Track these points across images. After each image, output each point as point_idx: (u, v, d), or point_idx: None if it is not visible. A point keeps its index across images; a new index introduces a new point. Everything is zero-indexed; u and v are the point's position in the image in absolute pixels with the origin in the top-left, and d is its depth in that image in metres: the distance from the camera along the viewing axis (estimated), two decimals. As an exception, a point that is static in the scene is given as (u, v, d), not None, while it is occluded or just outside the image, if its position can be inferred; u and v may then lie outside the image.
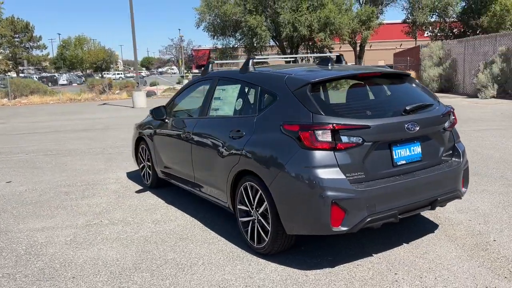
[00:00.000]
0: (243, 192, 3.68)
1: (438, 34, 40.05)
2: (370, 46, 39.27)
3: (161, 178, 5.52)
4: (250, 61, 4.05)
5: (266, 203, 3.39)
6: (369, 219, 3.07)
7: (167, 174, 5.27)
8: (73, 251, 3.86)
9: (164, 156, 5.23)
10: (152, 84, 37.06)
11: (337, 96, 4.54)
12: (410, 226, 4.06)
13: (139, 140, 5.89)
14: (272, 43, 37.19)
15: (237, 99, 4.02)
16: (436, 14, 38.99)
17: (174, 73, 58.01)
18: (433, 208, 3.46)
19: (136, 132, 5.99)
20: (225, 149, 3.86)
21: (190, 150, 4.48)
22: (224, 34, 35.57)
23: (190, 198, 5.29)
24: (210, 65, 4.69)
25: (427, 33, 42.81)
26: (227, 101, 4.28)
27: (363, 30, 36.13)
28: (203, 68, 4.87)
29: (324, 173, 3.03)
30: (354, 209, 3.03)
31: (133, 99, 19.41)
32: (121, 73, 72.37)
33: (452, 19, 38.47)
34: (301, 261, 3.45)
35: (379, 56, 54.05)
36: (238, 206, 3.78)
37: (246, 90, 4.00)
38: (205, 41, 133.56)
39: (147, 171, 5.83)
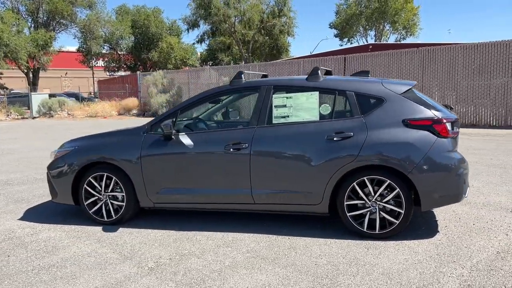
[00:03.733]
0: (357, 187, 4.02)
1: (112, 65, 41.97)
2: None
3: (144, 208, 4.67)
4: (320, 70, 4.40)
5: (398, 189, 3.92)
6: None
7: (166, 198, 4.55)
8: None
9: (171, 178, 4.51)
10: None
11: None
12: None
13: (83, 171, 4.69)
14: None
15: (320, 105, 4.24)
16: (109, 46, 40.76)
17: None
18: None
19: (76, 161, 4.71)
20: (324, 151, 4.05)
21: (248, 162, 4.24)
22: None
23: (210, 218, 4.74)
24: (243, 75, 4.58)
25: (100, 63, 44.06)
26: (301, 107, 4.32)
27: (42, 55, 33.82)
28: (232, 79, 4.63)
29: (456, 155, 3.96)
30: (467, 180, 4.11)
31: None
32: None
33: (124, 52, 41.17)
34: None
35: (52, 83, 51.39)
36: (347, 202, 4.06)
37: (331, 96, 4.29)
38: None
39: (109, 204, 4.71)
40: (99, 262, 3.72)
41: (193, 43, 43.89)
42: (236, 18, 39.47)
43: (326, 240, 4.05)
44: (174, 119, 4.59)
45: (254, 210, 4.41)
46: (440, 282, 3.15)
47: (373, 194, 3.98)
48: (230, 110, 5.21)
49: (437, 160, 3.87)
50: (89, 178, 4.73)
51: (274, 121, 4.31)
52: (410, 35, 53.04)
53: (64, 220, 4.99)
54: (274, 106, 4.35)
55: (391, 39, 53.93)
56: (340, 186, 4.06)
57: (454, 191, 3.94)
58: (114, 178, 4.64)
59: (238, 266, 3.56)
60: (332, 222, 4.50)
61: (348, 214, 4.06)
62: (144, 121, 7.21)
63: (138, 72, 32.30)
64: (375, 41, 52.61)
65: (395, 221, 3.95)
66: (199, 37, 42.69)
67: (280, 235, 4.22)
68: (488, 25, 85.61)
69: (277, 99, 4.36)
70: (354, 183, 4.00)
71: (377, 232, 4.00)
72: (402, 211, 3.92)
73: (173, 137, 4.46)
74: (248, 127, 4.36)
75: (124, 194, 4.64)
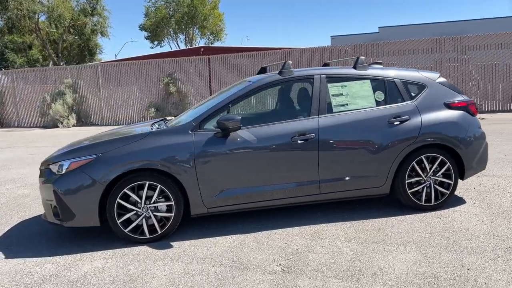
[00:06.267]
0: (416, 166, 4.43)
1: None
2: None
3: (192, 216, 4.18)
4: (362, 59, 4.62)
5: (448, 163, 4.48)
6: None
7: (225, 201, 4.16)
8: None
9: (232, 178, 4.12)
10: None
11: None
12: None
13: (112, 185, 3.95)
14: None
15: (375, 92, 4.47)
16: None
17: None
18: None
19: (106, 171, 3.90)
20: (388, 135, 4.34)
21: (316, 152, 4.22)
22: None
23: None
24: (290, 65, 4.48)
25: None
26: (357, 95, 4.41)
27: None
28: (282, 70, 4.42)
29: (482, 130, 4.72)
30: None
31: None
32: None
33: None
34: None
35: None
36: (408, 180, 4.43)
37: (380, 84, 4.53)
38: None
39: (152, 217, 4.01)
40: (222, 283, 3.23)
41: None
42: (43, 14, 35.24)
43: (400, 218, 4.35)
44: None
45: (318, 201, 4.38)
46: (497, 229, 3.81)
47: (428, 170, 4.43)
48: (277, 101, 4.97)
49: (474, 135, 4.57)
50: (125, 189, 3.93)
51: (334, 109, 4.38)
52: (217, 40, 55.96)
53: (82, 245, 4.02)
54: (332, 95, 4.40)
55: (201, 43, 55.95)
56: (401, 166, 4.38)
57: (485, 160, 4.72)
58: (159, 186, 3.97)
59: (366, 251, 3.58)
60: (364, 204, 4.80)
61: (408, 191, 4.41)
62: None
63: None
64: (185, 45, 53.93)
65: (446, 191, 4.51)
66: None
67: (352, 221, 4.32)
68: (273, 34, 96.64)
69: (333, 88, 4.43)
70: (414, 162, 4.38)
71: (432, 203, 4.48)
72: (452, 182, 4.49)
73: (231, 133, 4.08)
74: (311, 117, 4.31)
75: (173, 203, 4.02)
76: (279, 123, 4.26)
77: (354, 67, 4.63)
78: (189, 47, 38.57)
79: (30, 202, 5.80)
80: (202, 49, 29.81)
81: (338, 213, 4.56)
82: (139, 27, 53.48)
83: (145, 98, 17.54)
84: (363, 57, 4.72)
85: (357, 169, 4.34)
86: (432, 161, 4.46)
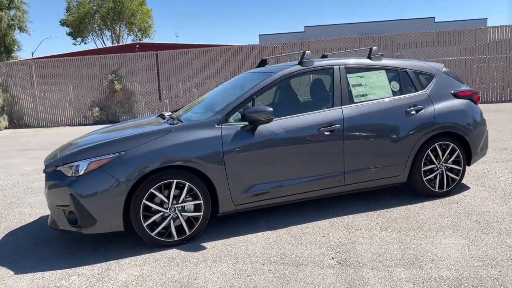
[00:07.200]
0: (430, 154, 4.55)
1: None
2: None
3: (226, 213, 3.98)
4: (375, 49, 4.65)
5: (458, 150, 4.65)
6: None
7: (254, 197, 3.99)
8: None
9: (262, 172, 3.96)
10: None
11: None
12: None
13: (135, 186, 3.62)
14: None
15: (390, 82, 4.51)
16: None
17: None
18: None
19: (132, 169, 3.57)
20: (406, 124, 4.41)
21: (341, 143, 4.19)
22: None
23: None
24: (310, 55, 4.40)
25: None
26: (375, 85, 4.41)
27: None
28: (302, 60, 4.31)
29: (484, 117, 4.95)
30: None
31: None
32: None
33: None
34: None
35: None
36: (424, 168, 4.53)
37: (395, 74, 4.58)
38: None
39: (180, 218, 3.75)
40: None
41: None
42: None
43: (420, 205, 4.45)
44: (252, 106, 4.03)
45: (341, 192, 4.35)
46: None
47: (441, 157, 4.58)
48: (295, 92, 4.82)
49: (479, 122, 4.80)
50: (151, 189, 3.63)
51: (355, 100, 4.37)
52: (146, 36, 54.29)
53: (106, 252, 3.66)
54: (352, 85, 4.39)
55: (128, 40, 54.04)
56: (417, 154, 4.48)
57: (487, 145, 4.97)
58: (187, 184, 3.71)
59: (409, 239, 3.62)
60: (375, 194, 4.88)
61: (424, 179, 4.53)
62: None
63: None
64: (112, 42, 51.82)
65: (456, 177, 4.68)
66: None
67: (375, 211, 4.35)
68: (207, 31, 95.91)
69: (352, 78, 4.42)
70: (429, 150, 4.50)
71: (444, 190, 4.63)
72: (461, 168, 4.68)
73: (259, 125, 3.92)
74: (334, 108, 4.26)
75: (201, 201, 3.78)
76: (305, 114, 4.16)
77: (369, 58, 4.65)
78: (125, 44, 37.02)
79: (3, 210, 5.18)
80: (137, 46, 28.76)
81: (356, 205, 4.55)
82: (60, 22, 50.42)
83: (86, 97, 16.51)
84: (376, 47, 4.76)
85: (379, 159, 4.36)
86: (443, 149, 4.60)
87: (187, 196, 3.75)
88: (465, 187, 4.96)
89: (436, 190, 4.60)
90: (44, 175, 3.94)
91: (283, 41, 17.01)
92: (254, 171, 3.93)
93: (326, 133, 4.12)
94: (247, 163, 3.89)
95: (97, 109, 15.76)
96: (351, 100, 4.34)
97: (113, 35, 53.23)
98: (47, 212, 5.01)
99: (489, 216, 4.02)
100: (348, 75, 4.42)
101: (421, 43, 15.58)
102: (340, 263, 3.25)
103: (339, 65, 4.44)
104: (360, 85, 4.43)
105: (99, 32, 53.10)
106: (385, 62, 4.66)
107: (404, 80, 4.64)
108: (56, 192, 3.66)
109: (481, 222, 3.89)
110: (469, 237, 3.57)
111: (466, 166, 4.77)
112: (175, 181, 3.68)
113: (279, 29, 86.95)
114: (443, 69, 4.91)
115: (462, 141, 4.68)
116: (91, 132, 4.90)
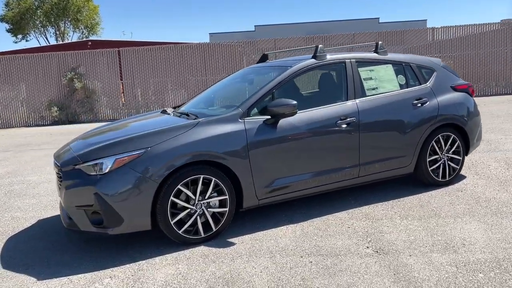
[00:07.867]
0: (435, 145, 4.73)
1: None
2: None
3: (249, 207, 3.94)
4: (381, 44, 4.76)
5: (458, 142, 4.87)
6: None
7: (276, 192, 3.99)
8: None
9: (285, 165, 3.96)
10: None
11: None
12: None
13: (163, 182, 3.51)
14: None
15: (397, 76, 4.64)
16: None
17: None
18: None
19: (161, 165, 3.46)
20: (414, 116, 4.57)
21: (357, 135, 4.27)
22: None
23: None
24: (323, 49, 4.44)
25: None
26: (383, 79, 4.50)
27: None
28: (316, 54, 4.33)
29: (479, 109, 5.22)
30: None
31: None
32: None
33: None
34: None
35: None
36: (429, 159, 4.71)
37: (400, 68, 4.71)
38: None
39: (206, 214, 3.67)
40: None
41: None
42: None
43: (428, 194, 4.62)
44: (272, 100, 4.02)
45: (356, 184, 4.43)
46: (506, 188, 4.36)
47: (443, 148, 4.78)
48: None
49: (475, 114, 5.04)
50: (178, 186, 3.53)
51: (367, 93, 4.46)
52: (93, 34, 52.42)
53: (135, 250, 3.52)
54: (363, 79, 4.47)
55: (74, 38, 51.99)
56: (423, 146, 4.66)
57: (481, 136, 5.22)
58: (213, 180, 3.65)
59: (433, 226, 3.75)
60: (379, 186, 5.03)
61: (429, 169, 4.71)
62: None
63: None
64: (56, 40, 49.73)
65: (456, 167, 4.90)
66: None
67: (389, 201, 4.47)
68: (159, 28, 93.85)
69: (363, 72, 4.51)
70: (433, 141, 4.69)
71: (447, 179, 4.84)
72: (461, 158, 4.91)
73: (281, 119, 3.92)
74: (349, 101, 4.33)
75: (227, 197, 3.73)
76: (323, 107, 4.20)
77: (376, 52, 4.76)
78: (76, 41, 35.53)
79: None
80: (89, 43, 27.79)
81: (366, 197, 4.65)
82: (-1, 18, 47.60)
83: (42, 96, 15.69)
84: (381, 42, 4.87)
85: (390, 150, 4.48)
86: (445, 140, 4.80)
87: (213, 191, 3.68)
88: (462, 177, 5.19)
89: (440, 179, 4.79)
90: (57, 175, 3.72)
91: (233, 39, 17.20)
92: (276, 165, 3.91)
93: (343, 126, 4.17)
94: (270, 157, 3.87)
95: (55, 108, 15.02)
96: (363, 94, 4.43)
97: (57, 32, 50.97)
98: (43, 215, 4.75)
99: (496, 201, 4.24)
100: (359, 69, 4.50)
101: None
102: (377, 252, 3.31)
103: (350, 59, 4.51)
104: (371, 78, 4.53)
105: (42, 29, 50.62)
106: (390, 56, 4.79)
107: (409, 73, 4.79)
108: (77, 192, 3.46)
109: (492, 208, 4.09)
110: (487, 222, 3.75)
111: (465, 156, 5.00)
112: (201, 176, 3.59)
113: (229, 28, 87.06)
114: (441, 64, 5.12)
115: (461, 132, 4.90)
116: (94, 129, 4.67)
